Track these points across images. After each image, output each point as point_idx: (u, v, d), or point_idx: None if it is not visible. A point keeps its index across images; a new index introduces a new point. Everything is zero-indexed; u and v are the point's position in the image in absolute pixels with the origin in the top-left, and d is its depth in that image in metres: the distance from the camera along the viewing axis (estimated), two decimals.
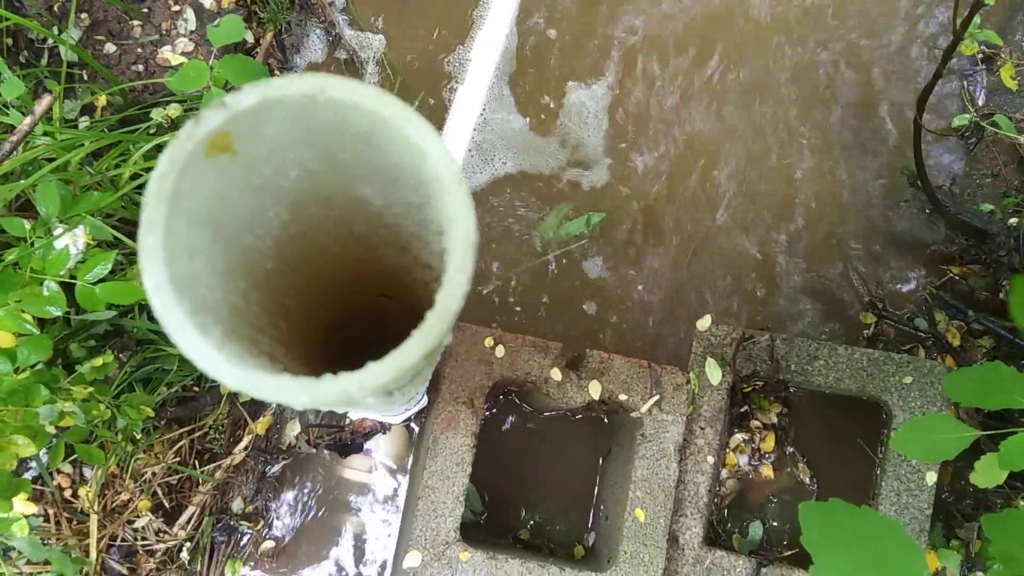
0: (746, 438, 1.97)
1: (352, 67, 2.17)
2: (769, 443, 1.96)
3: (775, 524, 1.94)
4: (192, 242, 0.50)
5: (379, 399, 0.64)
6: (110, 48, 2.04)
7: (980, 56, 2.25)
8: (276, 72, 2.14)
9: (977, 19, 1.69)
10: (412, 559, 1.68)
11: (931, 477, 1.77)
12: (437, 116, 2.11)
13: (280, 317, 0.77)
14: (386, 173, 0.55)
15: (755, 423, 1.96)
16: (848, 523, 1.05)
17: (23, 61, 1.99)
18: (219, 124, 0.46)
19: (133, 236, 1.69)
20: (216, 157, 0.47)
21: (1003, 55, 2.23)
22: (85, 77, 2.02)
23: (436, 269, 0.67)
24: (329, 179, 0.60)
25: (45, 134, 1.67)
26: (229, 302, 0.60)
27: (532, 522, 1.95)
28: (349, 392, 0.47)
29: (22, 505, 1.34)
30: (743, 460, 1.97)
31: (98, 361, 1.53)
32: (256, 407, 1.97)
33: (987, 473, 1.53)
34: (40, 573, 1.43)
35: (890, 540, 1.02)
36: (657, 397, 1.78)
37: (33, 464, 1.72)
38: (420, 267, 0.77)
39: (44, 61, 2.01)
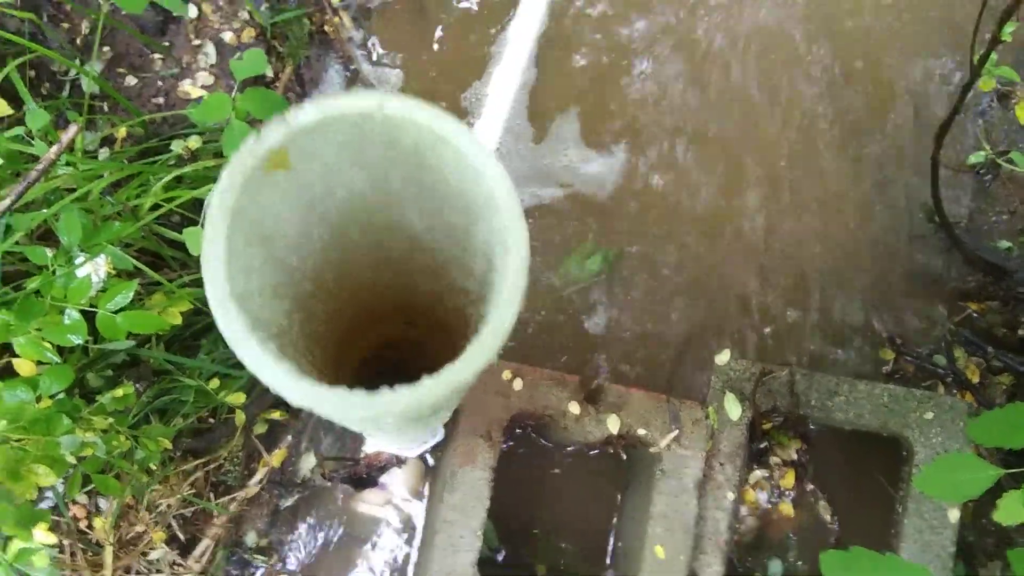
0: (765, 475, 1.95)
1: None
2: (789, 480, 1.95)
3: (795, 562, 1.92)
4: (248, 261, 0.50)
5: (420, 421, 0.64)
6: (131, 81, 2.06)
7: (996, 93, 2.26)
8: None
9: (994, 56, 1.70)
10: None
11: (954, 515, 1.75)
12: None
13: (314, 342, 0.77)
14: (435, 193, 0.55)
15: (774, 459, 1.95)
16: (873, 572, 1.04)
17: (45, 93, 2.01)
18: (279, 140, 0.46)
19: (153, 266, 1.69)
20: (273, 174, 0.47)
21: (1019, 92, 2.24)
22: (106, 109, 2.03)
23: (474, 292, 0.67)
24: (374, 200, 0.60)
25: (67, 164, 1.68)
26: (276, 322, 0.60)
27: (549, 559, 1.92)
28: (405, 406, 0.46)
29: (43, 535, 1.33)
30: (762, 497, 1.95)
31: (119, 392, 1.52)
32: (270, 440, 1.96)
33: (1010, 511, 1.51)
34: None
35: None
36: (676, 432, 1.77)
37: (50, 494, 1.71)
38: (456, 292, 0.77)
39: (66, 93, 2.02)
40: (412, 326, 1.24)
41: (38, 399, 1.43)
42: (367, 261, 0.75)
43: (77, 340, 1.45)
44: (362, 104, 0.47)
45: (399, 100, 0.47)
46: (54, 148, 1.41)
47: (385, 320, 1.09)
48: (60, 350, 1.52)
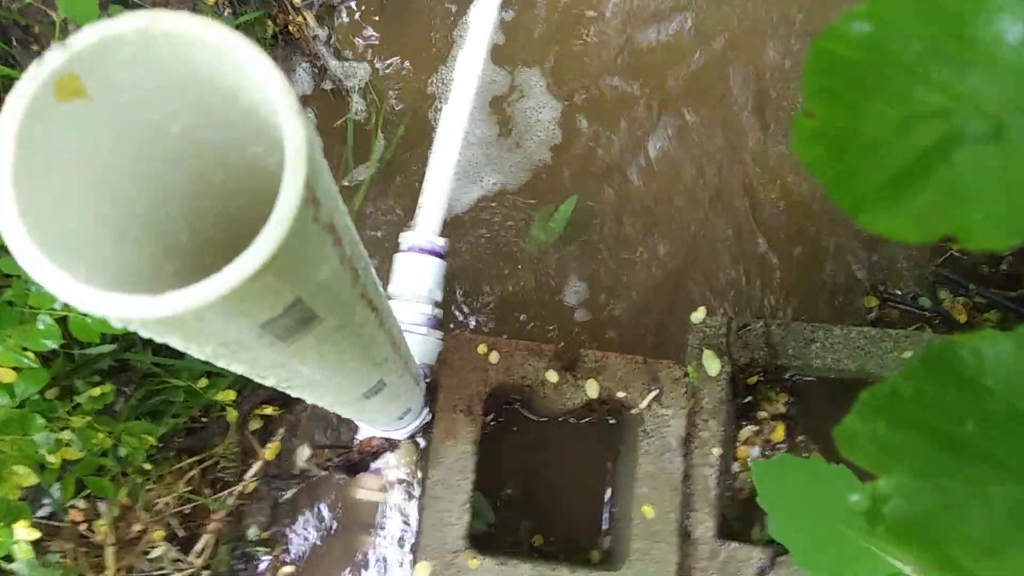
0: (755, 430, 1.95)
1: (339, 97, 2.22)
2: (779, 433, 1.94)
3: None
4: (65, 191, 0.51)
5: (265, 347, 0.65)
6: None
7: None
8: None
9: None
10: (421, 570, 1.68)
11: None
12: (426, 138, 2.13)
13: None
14: (253, 120, 0.57)
15: (762, 414, 1.94)
16: (800, 477, 1.05)
17: None
18: (61, 64, 0.47)
19: None
20: (72, 103, 0.49)
21: None
22: None
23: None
24: (217, 138, 0.62)
25: None
26: (131, 263, 0.62)
27: (547, 531, 1.94)
28: (192, 306, 0.47)
29: (24, 532, 1.37)
30: (754, 452, 1.95)
31: (96, 391, 1.57)
32: (266, 436, 2.00)
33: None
34: None
35: (841, 487, 1.01)
36: (656, 392, 1.78)
37: (47, 501, 1.75)
38: None
39: None
40: None
41: (20, 406, 1.48)
42: (242, 208, 0.77)
43: (52, 344, 1.49)
44: (137, 22, 0.48)
45: (173, 15, 0.49)
46: None
47: None
48: (43, 360, 1.57)
